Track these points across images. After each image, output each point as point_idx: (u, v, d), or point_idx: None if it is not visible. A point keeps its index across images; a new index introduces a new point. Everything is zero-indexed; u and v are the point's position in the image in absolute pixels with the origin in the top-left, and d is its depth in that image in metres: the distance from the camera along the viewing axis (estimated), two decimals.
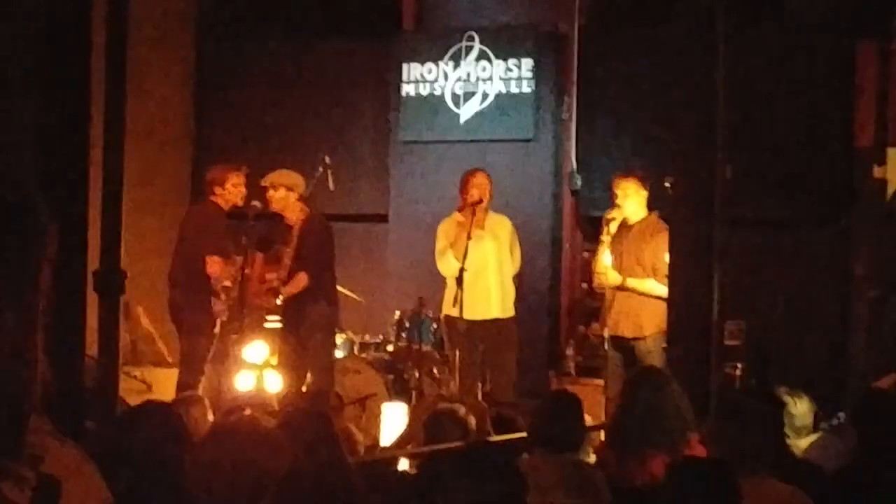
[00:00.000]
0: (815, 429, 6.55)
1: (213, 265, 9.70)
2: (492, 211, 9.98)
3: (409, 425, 8.46)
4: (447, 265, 9.74)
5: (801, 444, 6.29)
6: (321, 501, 4.41)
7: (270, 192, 9.90)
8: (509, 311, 9.98)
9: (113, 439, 4.10)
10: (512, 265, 10.06)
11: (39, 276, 1.65)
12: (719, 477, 4.07)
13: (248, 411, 5.36)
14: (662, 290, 8.66)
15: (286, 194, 9.89)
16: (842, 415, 7.13)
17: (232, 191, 9.94)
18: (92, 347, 5.76)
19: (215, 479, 3.56)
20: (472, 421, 6.37)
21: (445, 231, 9.90)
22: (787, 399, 6.39)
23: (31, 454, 1.59)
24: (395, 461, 6.88)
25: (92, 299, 5.61)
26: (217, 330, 9.81)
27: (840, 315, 9.97)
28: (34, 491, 1.55)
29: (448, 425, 6.27)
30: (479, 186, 9.77)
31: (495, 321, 9.87)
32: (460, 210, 9.89)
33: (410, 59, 11.99)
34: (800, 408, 6.40)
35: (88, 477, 1.70)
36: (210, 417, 6.32)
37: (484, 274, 9.79)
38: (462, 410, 6.60)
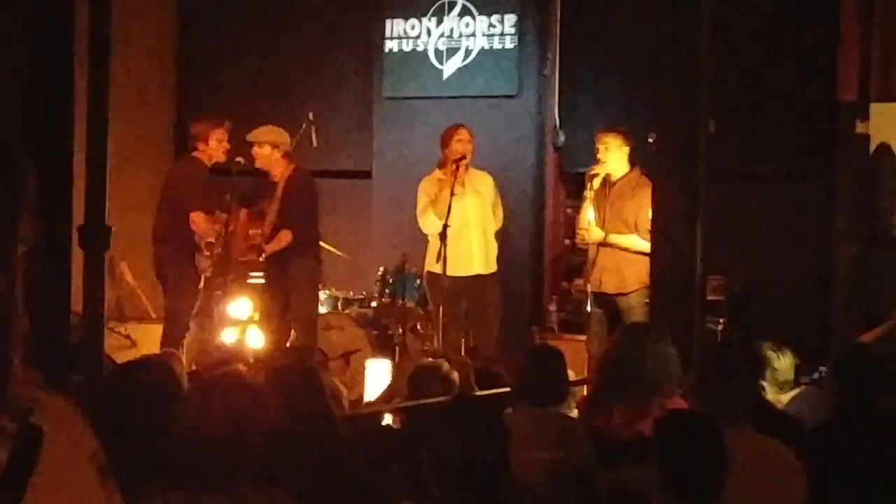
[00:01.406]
0: (797, 383, 6.59)
1: (198, 221, 9.69)
2: (473, 167, 9.97)
3: (393, 380, 8.50)
4: (429, 223, 9.74)
5: (783, 398, 6.33)
6: (308, 456, 4.44)
7: (255, 149, 9.89)
8: (492, 267, 10.00)
9: (104, 393, 4.12)
10: (495, 221, 10.07)
11: (17, 222, 1.65)
12: (705, 430, 4.11)
13: (233, 366, 5.38)
14: (645, 245, 8.68)
15: (271, 151, 9.88)
16: (823, 369, 7.17)
17: (215, 146, 9.93)
18: (77, 304, 5.76)
19: (202, 434, 3.58)
20: (456, 376, 6.40)
21: (426, 189, 9.88)
22: (770, 354, 6.43)
23: (19, 406, 1.58)
24: (380, 416, 6.91)
25: (76, 256, 5.61)
26: (201, 286, 9.82)
27: (822, 270, 10.01)
28: (14, 440, 1.55)
29: (432, 380, 6.29)
30: (462, 143, 9.76)
31: (478, 277, 9.88)
32: (441, 167, 9.87)
33: (393, 15, 11.96)
34: (783, 362, 6.44)
35: (77, 428, 1.70)
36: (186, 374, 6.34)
37: (466, 230, 9.79)
38: (445, 366, 6.62)
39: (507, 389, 6.13)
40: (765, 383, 6.26)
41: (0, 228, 1.60)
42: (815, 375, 7.24)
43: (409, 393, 6.54)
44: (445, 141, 9.82)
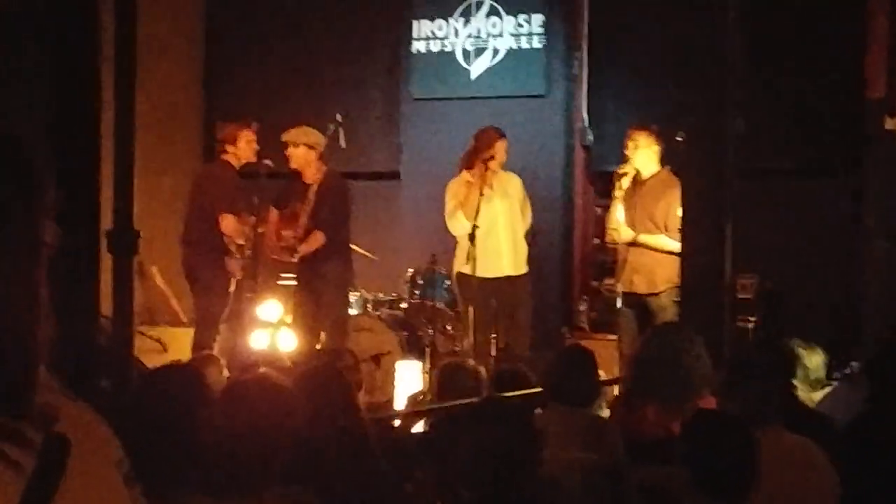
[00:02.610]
0: (828, 381, 6.56)
1: (227, 224, 9.70)
2: (501, 169, 9.95)
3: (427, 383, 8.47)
4: (458, 225, 9.72)
5: (814, 396, 6.30)
6: (337, 459, 4.43)
7: (291, 150, 9.87)
8: (522, 268, 9.97)
9: (132, 399, 4.12)
10: (523, 222, 10.04)
11: (38, 227, 1.64)
12: (734, 429, 4.08)
13: (263, 370, 5.38)
14: (675, 244, 8.65)
15: (307, 152, 9.87)
16: (855, 364, 7.13)
17: (244, 148, 9.95)
18: (106, 308, 5.77)
19: (231, 438, 3.58)
20: (484, 373, 6.40)
21: (454, 191, 9.86)
22: (802, 352, 6.39)
23: (43, 414, 1.58)
24: (410, 419, 6.91)
25: (105, 260, 5.62)
26: (231, 289, 9.83)
27: (852, 266, 9.96)
28: (40, 451, 1.54)
29: (460, 378, 6.29)
30: (502, 152, 9.73)
31: (508, 278, 9.86)
32: (467, 166, 9.84)
33: (421, 16, 11.96)
34: (814, 360, 6.40)
35: (101, 436, 1.69)
36: (225, 376, 6.34)
37: (495, 232, 9.77)
38: (472, 363, 6.63)
39: (538, 390, 6.11)
40: (796, 381, 6.22)
41: (20, 233, 1.60)
42: (847, 372, 7.20)
43: (438, 391, 6.53)
44: (485, 143, 9.75)
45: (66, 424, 1.59)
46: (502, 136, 9.82)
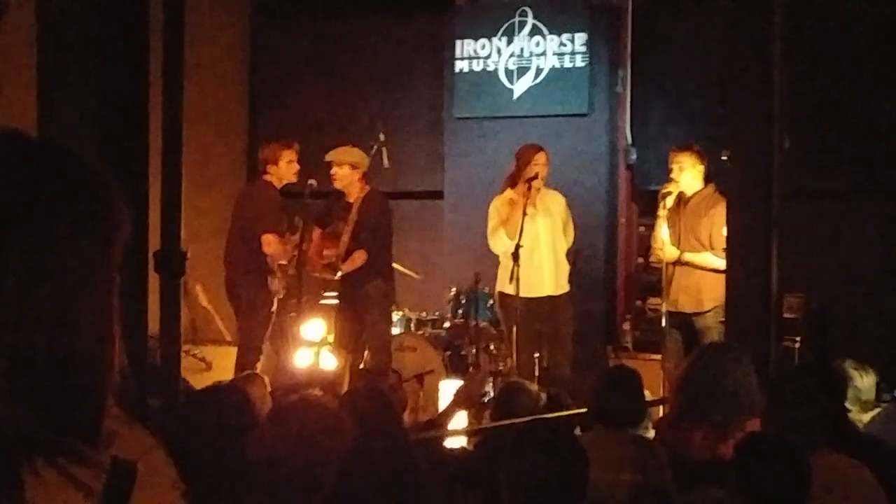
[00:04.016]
0: (878, 402, 6.50)
1: (270, 244, 9.72)
2: (544, 187, 9.94)
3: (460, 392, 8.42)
4: (499, 243, 9.70)
5: (864, 417, 6.24)
6: (383, 479, 4.42)
7: (335, 170, 9.89)
8: (564, 288, 9.94)
9: (180, 420, 4.13)
10: (566, 241, 10.02)
11: (115, 255, 1.66)
12: (787, 452, 4.04)
13: (308, 390, 5.39)
14: (720, 263, 8.61)
15: (350, 172, 9.89)
16: None
17: (285, 168, 9.97)
18: (153, 327, 5.80)
19: (278, 459, 3.58)
20: (544, 398, 6.38)
21: (497, 209, 9.85)
22: (853, 373, 6.34)
23: (104, 436, 1.59)
24: (454, 434, 6.89)
25: (152, 279, 5.65)
26: (274, 308, 9.85)
27: None
28: (108, 475, 1.56)
29: (522, 400, 6.28)
30: (539, 166, 9.71)
31: (550, 298, 9.83)
32: (512, 185, 9.83)
33: (464, 36, 11.97)
34: (865, 382, 6.34)
35: (158, 459, 1.70)
36: (269, 396, 6.35)
37: (538, 251, 9.75)
38: (535, 387, 6.62)
39: (583, 410, 6.09)
40: (847, 403, 6.16)
41: (97, 263, 1.61)
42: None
43: (496, 411, 6.52)
44: (524, 160, 9.75)
45: (123, 447, 1.60)
46: (539, 149, 9.82)
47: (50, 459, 1.51)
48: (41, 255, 1.53)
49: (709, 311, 9.08)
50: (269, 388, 6.57)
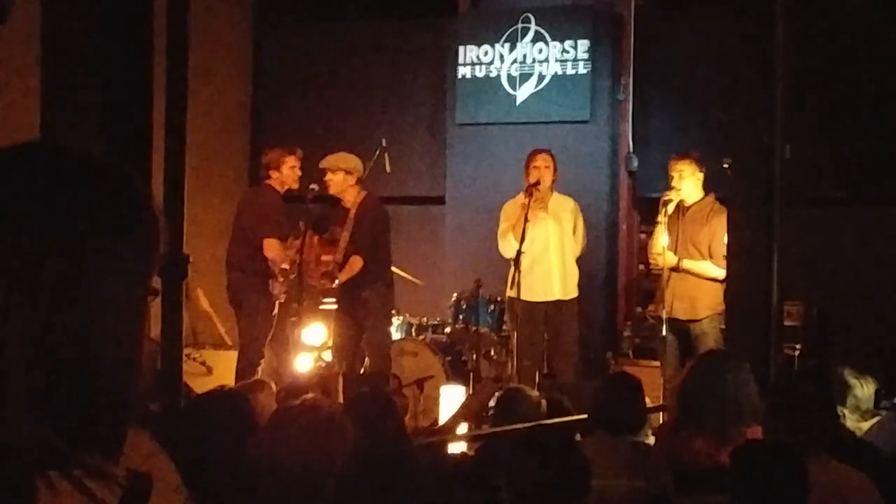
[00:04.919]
0: (877, 410, 6.51)
1: (271, 248, 9.74)
2: (556, 192, 9.96)
3: (468, 401, 8.43)
4: (507, 246, 9.73)
5: (863, 426, 6.25)
6: (385, 483, 4.44)
7: (329, 176, 9.93)
8: (571, 293, 9.95)
9: (180, 425, 4.14)
10: (576, 246, 10.03)
11: (151, 274, 1.66)
12: (785, 460, 4.06)
13: (309, 394, 5.40)
14: (718, 271, 8.64)
15: (345, 178, 9.92)
16: None
17: (288, 173, 9.99)
18: (154, 330, 5.81)
19: (280, 463, 3.59)
20: (545, 406, 6.38)
21: (507, 213, 9.90)
22: (853, 381, 6.34)
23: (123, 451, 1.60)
24: (453, 439, 6.90)
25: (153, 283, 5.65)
26: (275, 313, 9.86)
27: None
28: (125, 489, 1.56)
29: (521, 406, 6.29)
30: (538, 168, 9.75)
31: (557, 302, 9.86)
32: (525, 191, 9.87)
33: (466, 42, 11.98)
34: (865, 390, 6.34)
35: (163, 464, 1.71)
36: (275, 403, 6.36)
37: (547, 256, 9.78)
38: (536, 393, 6.62)
39: (584, 417, 6.10)
40: (845, 410, 6.17)
41: (131, 278, 1.61)
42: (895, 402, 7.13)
43: (496, 417, 6.52)
44: (526, 164, 9.82)
45: (131, 456, 1.60)
46: (539, 151, 9.86)
47: (66, 472, 1.51)
48: (76, 268, 1.54)
49: (704, 318, 9.11)
50: (275, 394, 6.59)
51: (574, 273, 9.99)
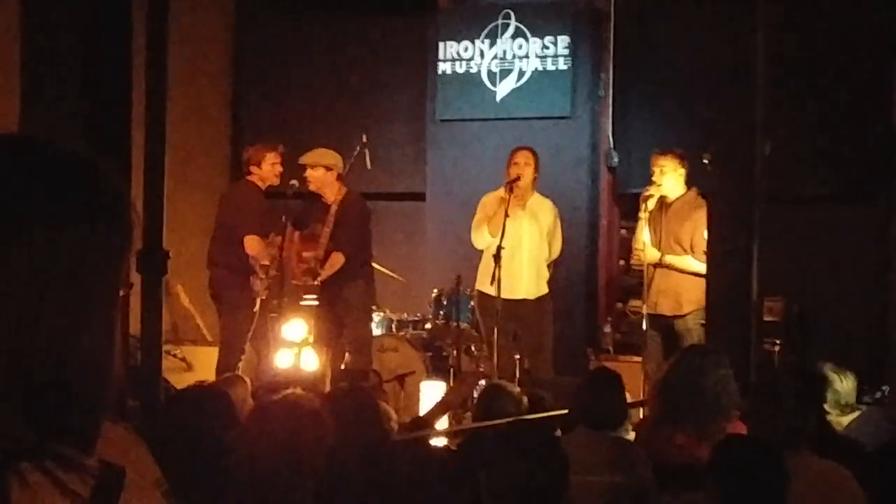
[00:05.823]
0: (858, 404, 6.53)
1: (252, 244, 9.73)
2: (538, 193, 9.95)
3: (447, 395, 8.42)
4: (480, 238, 9.74)
5: (843, 420, 6.27)
6: (365, 478, 4.43)
7: (309, 172, 9.92)
8: (542, 291, 9.94)
9: (161, 420, 4.13)
10: (550, 251, 10.02)
11: (124, 271, 1.65)
12: (764, 455, 4.07)
13: (290, 389, 5.39)
14: (700, 266, 8.64)
15: (325, 174, 9.91)
16: (886, 388, 7.10)
17: (269, 169, 9.98)
18: (134, 327, 5.79)
19: (259, 457, 3.58)
20: (526, 402, 6.38)
21: (485, 204, 9.89)
22: (833, 376, 6.36)
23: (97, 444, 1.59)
24: (433, 435, 6.90)
25: (134, 279, 5.64)
26: (256, 309, 9.85)
27: (879, 291, 9.92)
28: (98, 480, 1.55)
29: (503, 402, 6.28)
30: (518, 165, 9.74)
31: (526, 301, 9.84)
32: (505, 186, 9.85)
33: (447, 38, 11.97)
34: (846, 385, 6.36)
35: (142, 457, 1.70)
36: (251, 398, 6.35)
37: (518, 254, 9.76)
38: (517, 390, 6.62)
39: (564, 412, 6.10)
40: (826, 405, 6.19)
41: (107, 272, 1.61)
42: (877, 396, 7.17)
43: (478, 412, 6.52)
44: (508, 161, 9.81)
45: (107, 448, 1.60)
46: (519, 148, 9.86)
47: (38, 464, 1.50)
48: (53, 260, 1.53)
49: (689, 313, 9.11)
50: (250, 390, 6.57)
51: (545, 273, 9.98)
